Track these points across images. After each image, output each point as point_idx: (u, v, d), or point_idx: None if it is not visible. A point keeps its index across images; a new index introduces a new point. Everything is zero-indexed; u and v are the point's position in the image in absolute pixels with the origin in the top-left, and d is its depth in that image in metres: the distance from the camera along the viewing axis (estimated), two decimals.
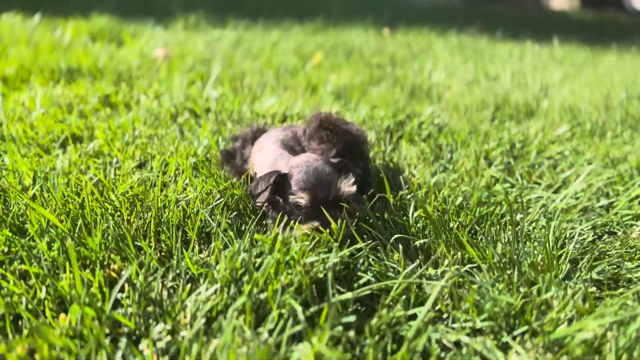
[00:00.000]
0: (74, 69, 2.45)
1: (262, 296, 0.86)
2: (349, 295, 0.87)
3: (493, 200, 1.34)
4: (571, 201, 1.36)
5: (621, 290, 1.00)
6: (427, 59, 3.70)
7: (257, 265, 0.94)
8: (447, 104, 2.36)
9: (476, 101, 2.47)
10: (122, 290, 0.90)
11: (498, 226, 1.17)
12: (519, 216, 1.25)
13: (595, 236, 1.21)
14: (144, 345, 0.79)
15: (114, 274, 0.94)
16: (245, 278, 0.89)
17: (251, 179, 1.28)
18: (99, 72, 2.44)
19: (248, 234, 1.03)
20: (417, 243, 1.09)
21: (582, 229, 1.20)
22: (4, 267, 0.94)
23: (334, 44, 4.12)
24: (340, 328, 0.80)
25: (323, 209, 1.04)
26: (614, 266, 1.08)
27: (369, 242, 1.07)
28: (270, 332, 0.82)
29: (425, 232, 1.15)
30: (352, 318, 0.83)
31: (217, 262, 0.96)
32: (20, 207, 1.10)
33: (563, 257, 1.05)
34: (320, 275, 0.93)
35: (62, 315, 0.82)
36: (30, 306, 0.84)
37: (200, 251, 1.05)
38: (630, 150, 1.74)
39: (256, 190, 1.10)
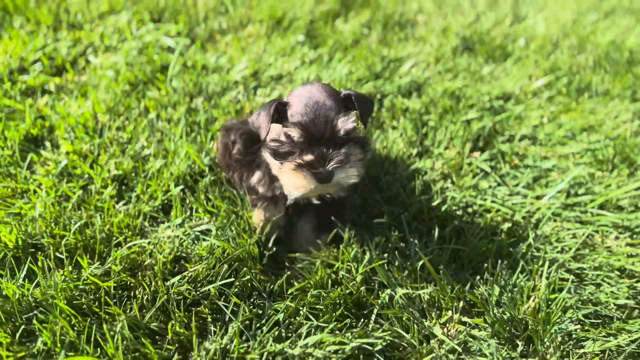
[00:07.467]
0: None
1: None
2: None
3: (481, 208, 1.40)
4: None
5: None
6: None
7: None
8: (428, 52, 2.24)
9: (451, 39, 2.37)
10: None
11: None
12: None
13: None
14: None
15: None
16: None
17: None
18: (32, 13, 2.06)
19: None
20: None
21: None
22: None
23: None
24: None
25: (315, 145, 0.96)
26: None
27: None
28: None
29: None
30: None
31: None
32: None
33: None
34: None
35: None
36: None
37: None
38: (605, 116, 1.81)
39: (257, 120, 1.00)
